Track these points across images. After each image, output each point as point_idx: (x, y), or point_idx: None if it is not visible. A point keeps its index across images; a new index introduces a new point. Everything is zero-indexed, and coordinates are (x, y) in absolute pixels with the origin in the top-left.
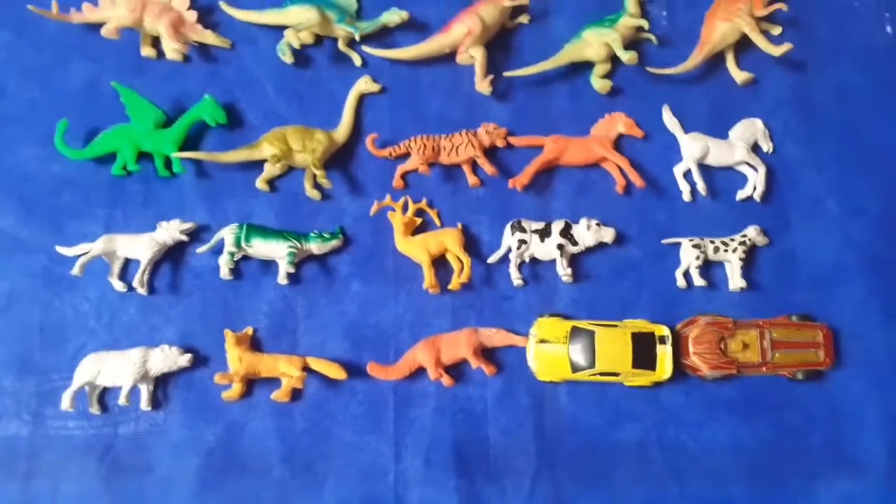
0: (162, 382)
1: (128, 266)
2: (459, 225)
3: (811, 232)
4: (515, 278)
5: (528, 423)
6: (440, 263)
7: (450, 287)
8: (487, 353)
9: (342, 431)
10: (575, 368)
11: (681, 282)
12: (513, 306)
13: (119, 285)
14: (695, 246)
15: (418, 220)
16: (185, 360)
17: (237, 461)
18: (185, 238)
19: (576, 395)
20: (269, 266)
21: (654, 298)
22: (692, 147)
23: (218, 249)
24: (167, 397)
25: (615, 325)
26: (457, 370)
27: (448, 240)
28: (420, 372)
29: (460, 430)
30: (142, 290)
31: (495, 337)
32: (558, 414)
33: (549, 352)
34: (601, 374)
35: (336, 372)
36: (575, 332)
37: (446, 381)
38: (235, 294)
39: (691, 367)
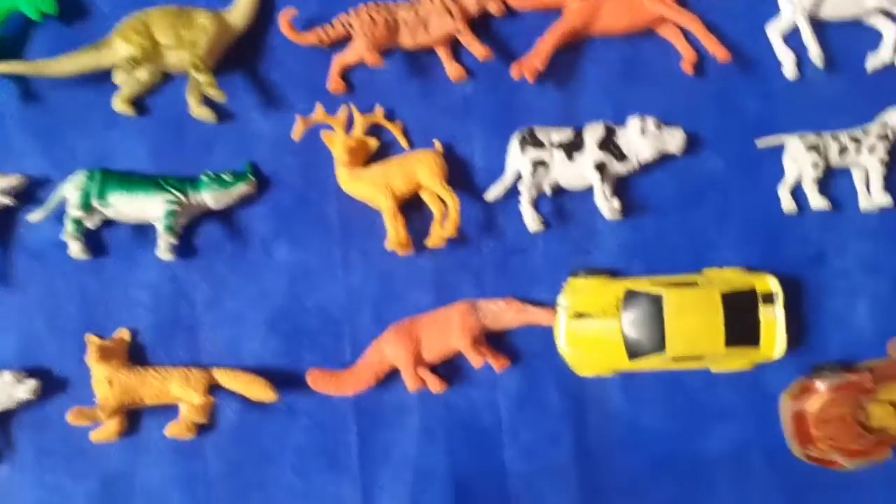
0: None
1: None
2: (437, 144)
3: None
4: (531, 220)
5: (564, 438)
6: (412, 207)
7: (428, 243)
8: (495, 339)
9: (280, 473)
10: (634, 353)
11: (788, 204)
12: (529, 263)
13: None
14: (810, 147)
15: (372, 143)
16: (26, 390)
17: None
18: (8, 202)
19: (635, 390)
20: (145, 232)
21: (747, 234)
22: None
23: (61, 213)
24: (10, 444)
25: (693, 283)
26: (450, 366)
27: (421, 168)
28: (393, 375)
29: (461, 456)
30: None
31: (504, 313)
32: (610, 421)
33: (592, 331)
34: (676, 359)
35: (260, 391)
36: (631, 298)
37: (434, 385)
38: (98, 279)
39: (819, 459)
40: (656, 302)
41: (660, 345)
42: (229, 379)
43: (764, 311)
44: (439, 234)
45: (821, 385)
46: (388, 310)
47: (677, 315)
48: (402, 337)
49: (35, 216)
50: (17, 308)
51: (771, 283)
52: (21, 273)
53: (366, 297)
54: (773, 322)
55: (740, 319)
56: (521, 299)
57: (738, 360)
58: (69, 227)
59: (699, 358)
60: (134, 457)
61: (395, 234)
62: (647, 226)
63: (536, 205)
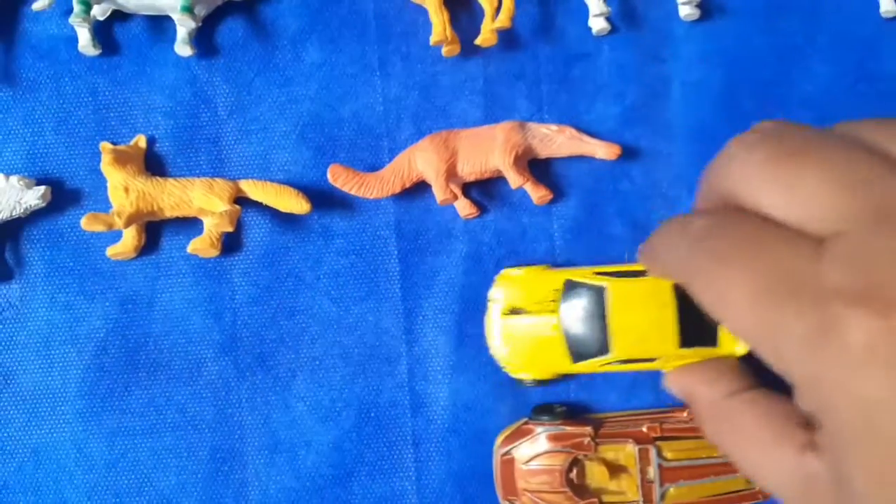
0: (8, 237)
1: None
2: None
3: None
4: (596, 14)
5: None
6: (459, 5)
7: (478, 41)
8: (541, 169)
9: (315, 298)
10: (578, 355)
11: (887, 4)
12: (593, 72)
13: None
14: None
15: None
16: (35, 195)
17: (145, 358)
18: None
19: None
20: (162, 25)
21: (840, 41)
22: None
23: (70, 7)
24: (19, 261)
25: (639, 272)
26: (500, 190)
27: None
28: (427, 191)
29: None
30: None
31: (555, 138)
32: None
33: (528, 328)
34: (623, 361)
35: (292, 202)
36: (570, 290)
37: (465, 208)
38: (111, 80)
39: None
40: (598, 294)
41: (603, 346)
42: (257, 189)
43: None
44: (490, 29)
45: (537, 431)
46: (431, 123)
47: (622, 310)
48: (437, 145)
49: (40, 4)
50: (24, 113)
51: None
52: (27, 74)
53: (406, 108)
54: None
55: (696, 314)
56: (584, 112)
57: (694, 360)
58: (77, 9)
59: (650, 360)
60: (154, 278)
61: (440, 27)
62: (727, 31)
63: None
